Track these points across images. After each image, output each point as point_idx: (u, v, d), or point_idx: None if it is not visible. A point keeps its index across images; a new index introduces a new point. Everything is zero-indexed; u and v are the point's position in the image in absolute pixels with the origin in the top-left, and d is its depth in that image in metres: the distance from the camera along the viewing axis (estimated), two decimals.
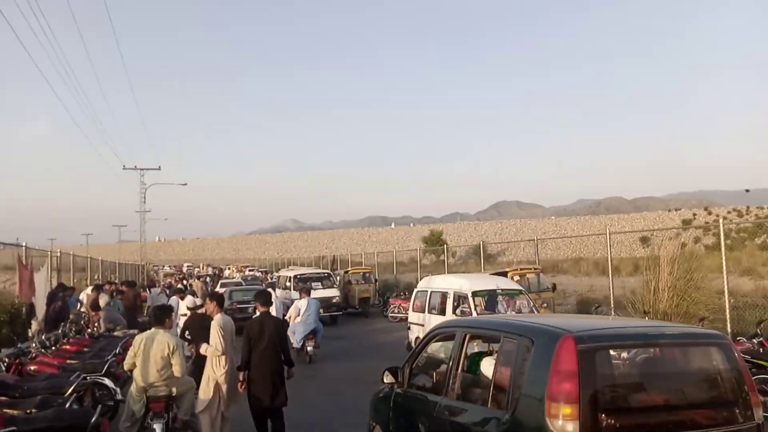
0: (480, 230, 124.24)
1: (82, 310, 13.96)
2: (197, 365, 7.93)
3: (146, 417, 6.49)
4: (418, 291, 13.51)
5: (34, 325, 12.23)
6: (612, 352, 4.06)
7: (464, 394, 4.64)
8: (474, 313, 10.78)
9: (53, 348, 9.45)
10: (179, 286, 21.32)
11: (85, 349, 9.89)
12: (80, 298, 15.33)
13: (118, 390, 8.09)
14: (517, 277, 14.75)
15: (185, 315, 12.86)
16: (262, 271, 49.00)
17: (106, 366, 8.44)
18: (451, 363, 4.80)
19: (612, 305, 13.51)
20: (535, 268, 15.81)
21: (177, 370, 6.62)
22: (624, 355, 4.36)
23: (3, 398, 6.20)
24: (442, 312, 11.79)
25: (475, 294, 11.18)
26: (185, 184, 57.50)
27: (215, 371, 7.07)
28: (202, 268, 63.16)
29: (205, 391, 7.03)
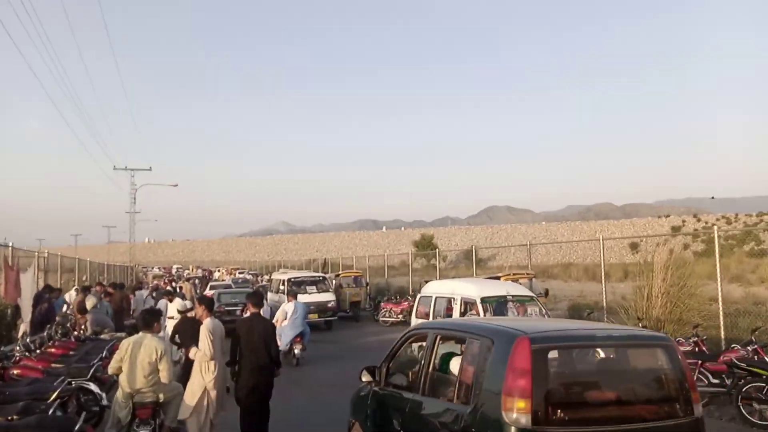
0: (471, 235, 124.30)
1: (69, 312, 13.71)
2: (186, 370, 7.78)
3: (132, 424, 6.34)
4: (422, 296, 12.79)
5: (21, 328, 12.00)
6: (563, 352, 4.37)
7: (434, 391, 4.90)
8: None
9: (38, 351, 9.21)
10: (168, 288, 21.09)
11: (71, 353, 9.67)
12: (66, 299, 15.07)
13: (103, 395, 7.91)
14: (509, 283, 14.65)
15: (173, 318, 12.69)
16: (252, 274, 48.68)
17: (92, 370, 8.23)
18: (422, 362, 5.10)
19: (605, 311, 13.46)
20: (527, 273, 15.73)
21: (164, 375, 6.47)
22: (575, 354, 4.59)
23: None
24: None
25: (484, 300, 10.54)
26: (176, 185, 57.18)
27: (204, 376, 6.92)
28: (192, 270, 62.72)
29: (193, 397, 6.88)
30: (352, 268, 29.60)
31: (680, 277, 11.60)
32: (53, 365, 8.59)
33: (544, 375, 3.98)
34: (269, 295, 21.88)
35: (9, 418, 5.49)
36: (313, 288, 20.85)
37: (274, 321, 13.90)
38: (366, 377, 5.85)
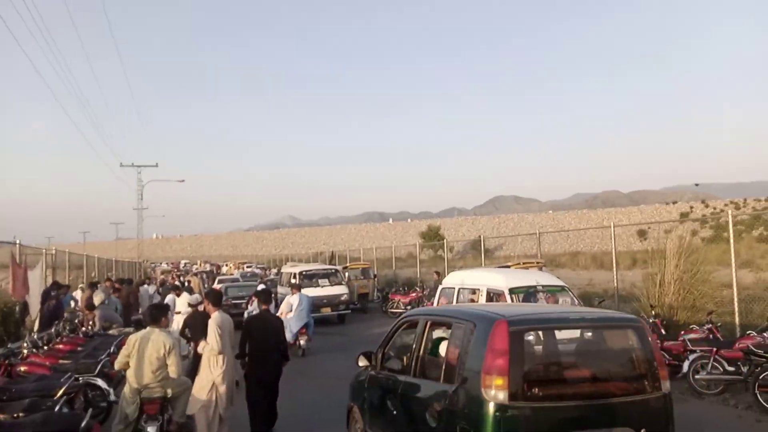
0: (477, 225, 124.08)
1: (77, 308, 13.69)
2: (195, 364, 7.72)
3: (140, 419, 6.26)
4: (444, 288, 12.09)
5: (31, 324, 11.99)
6: (539, 333, 4.71)
7: (424, 373, 5.20)
8: None
9: (45, 348, 9.16)
10: (176, 283, 21.08)
11: (79, 349, 9.62)
12: (74, 295, 15.06)
13: (111, 391, 7.85)
14: None
15: (179, 313, 12.64)
16: (261, 268, 48.69)
17: (99, 366, 8.18)
18: (414, 346, 5.41)
19: (616, 299, 13.27)
20: (537, 262, 15.51)
21: (173, 370, 6.39)
22: (550, 335, 4.85)
23: None
24: None
25: (512, 291, 10.01)
26: (183, 181, 57.38)
27: (212, 371, 6.84)
28: (200, 264, 62.89)
29: (201, 392, 6.80)
30: (359, 261, 29.49)
31: (693, 263, 11.41)
32: (61, 361, 8.54)
33: (520, 354, 4.27)
34: (279, 288, 21.75)
35: (15, 415, 5.42)
36: (326, 281, 20.22)
37: (278, 313, 13.89)
38: (362, 362, 6.17)
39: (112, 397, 7.68)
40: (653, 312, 10.29)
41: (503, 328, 4.28)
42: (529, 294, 10.17)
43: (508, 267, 14.61)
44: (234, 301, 19.00)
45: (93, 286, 14.66)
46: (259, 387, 7.47)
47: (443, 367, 4.79)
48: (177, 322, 12.11)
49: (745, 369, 8.68)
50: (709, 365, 8.93)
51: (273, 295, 11.79)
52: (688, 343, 9.52)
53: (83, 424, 5.15)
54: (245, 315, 13.97)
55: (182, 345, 9.59)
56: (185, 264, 68.61)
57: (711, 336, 9.64)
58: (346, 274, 23.85)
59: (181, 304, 12.96)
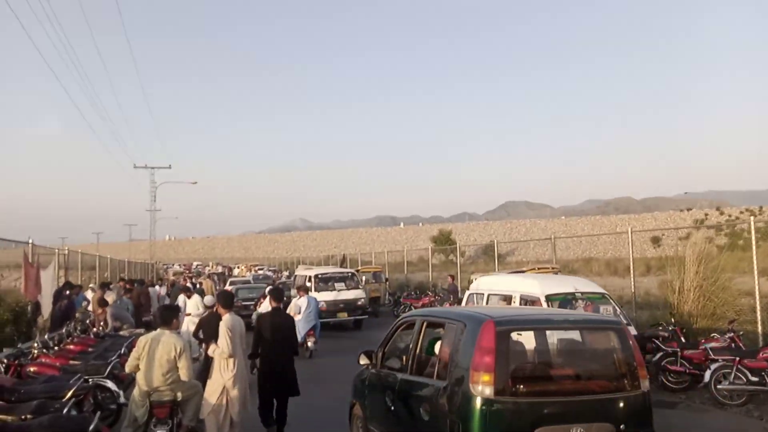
0: (489, 230, 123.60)
1: (89, 308, 13.66)
2: (206, 367, 7.61)
3: (149, 423, 6.14)
4: (472, 293, 11.59)
5: (42, 324, 11.94)
6: (524, 333, 5.02)
7: (419, 370, 5.49)
8: None
9: (56, 348, 9.09)
10: (188, 284, 21.01)
11: (90, 350, 9.54)
12: (86, 295, 15.03)
13: (121, 393, 7.74)
14: None
15: (190, 315, 12.57)
16: (272, 270, 48.68)
17: (109, 367, 8.06)
18: (411, 345, 5.70)
19: (633, 305, 12.99)
20: (552, 268, 15.31)
21: (184, 373, 6.26)
22: (535, 335, 5.14)
23: None
24: None
25: (549, 298, 9.46)
26: (195, 183, 57.55)
27: (222, 375, 6.72)
28: (212, 266, 63.04)
29: (212, 395, 6.69)
30: (371, 264, 29.35)
31: (713, 270, 11.13)
32: (71, 362, 8.44)
33: (506, 353, 4.54)
34: (292, 291, 21.59)
35: (22, 417, 5.31)
36: (342, 284, 19.17)
37: None
38: (363, 360, 6.49)
39: (122, 400, 7.57)
40: (730, 326, 9.70)
41: (490, 328, 4.56)
42: (566, 301, 9.55)
43: (523, 272, 14.39)
44: (244, 303, 19.00)
45: (104, 286, 14.64)
46: (270, 384, 7.44)
47: (437, 364, 5.09)
48: (187, 323, 12.03)
49: None
50: (732, 375, 8.67)
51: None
52: (710, 351, 9.26)
53: (91, 427, 5.04)
54: (253, 316, 13.90)
55: (193, 347, 9.48)
56: (197, 266, 68.80)
57: (733, 345, 9.38)
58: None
59: (192, 306, 12.89)
